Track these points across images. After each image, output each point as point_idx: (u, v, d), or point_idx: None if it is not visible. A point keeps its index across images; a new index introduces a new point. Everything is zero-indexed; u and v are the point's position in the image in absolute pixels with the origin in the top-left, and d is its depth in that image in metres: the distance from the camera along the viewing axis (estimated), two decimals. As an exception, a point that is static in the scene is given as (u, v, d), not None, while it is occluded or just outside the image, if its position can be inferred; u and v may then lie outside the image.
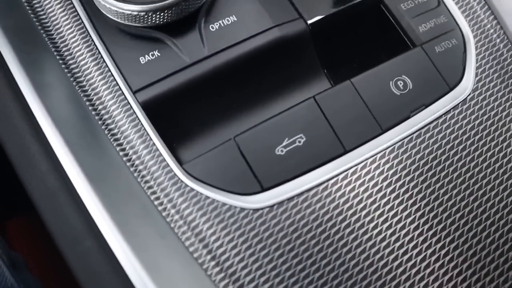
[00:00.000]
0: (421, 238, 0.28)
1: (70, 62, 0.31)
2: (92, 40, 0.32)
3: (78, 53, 0.32)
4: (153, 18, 0.30)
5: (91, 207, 0.26)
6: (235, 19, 0.32)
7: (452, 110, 0.31)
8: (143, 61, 0.31)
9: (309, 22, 0.33)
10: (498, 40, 0.34)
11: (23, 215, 0.46)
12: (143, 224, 0.27)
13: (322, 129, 0.30)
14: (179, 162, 0.29)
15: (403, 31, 0.34)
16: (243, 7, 0.33)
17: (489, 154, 0.31)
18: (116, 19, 0.31)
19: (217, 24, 0.32)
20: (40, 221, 0.46)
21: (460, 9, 0.34)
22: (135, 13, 0.30)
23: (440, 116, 0.31)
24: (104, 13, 0.31)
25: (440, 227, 0.29)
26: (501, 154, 0.31)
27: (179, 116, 0.31)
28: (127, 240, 0.25)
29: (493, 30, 0.34)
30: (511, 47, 0.33)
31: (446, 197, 0.29)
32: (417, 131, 0.30)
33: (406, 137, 0.30)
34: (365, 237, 0.28)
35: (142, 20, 0.31)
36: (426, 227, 0.29)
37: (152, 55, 0.31)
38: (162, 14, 0.30)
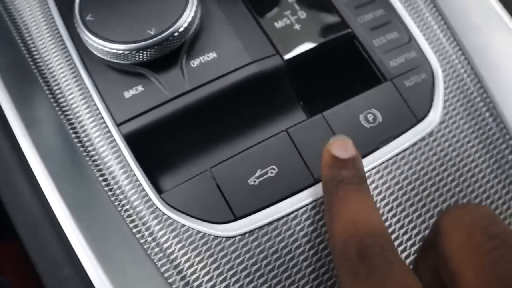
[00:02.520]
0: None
1: (59, 96, 0.33)
2: (81, 75, 0.34)
3: (67, 88, 0.34)
4: (137, 56, 0.32)
5: (71, 235, 0.28)
6: (215, 55, 0.34)
7: (419, 142, 0.33)
8: (127, 95, 0.33)
9: (286, 57, 0.35)
10: (465, 75, 0.35)
11: (14, 238, 0.48)
12: (121, 252, 0.28)
13: (293, 160, 0.32)
14: (161, 191, 0.31)
15: (375, 65, 0.35)
16: (223, 44, 0.35)
17: (453, 184, 0.32)
18: (103, 57, 0.33)
19: (197, 60, 0.34)
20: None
21: (430, 45, 0.36)
22: (120, 51, 0.32)
23: (407, 148, 0.33)
24: (92, 51, 0.33)
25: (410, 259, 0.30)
26: (465, 184, 0.32)
27: (160, 147, 0.33)
28: (103, 266, 0.27)
29: (461, 65, 0.35)
30: (478, 82, 0.35)
31: (414, 231, 0.31)
32: (384, 162, 0.32)
33: (373, 168, 0.32)
34: (332, 265, 0.30)
35: (126, 58, 0.33)
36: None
37: (136, 89, 0.33)
38: (145, 52, 0.32)
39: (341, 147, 0.28)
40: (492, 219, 0.22)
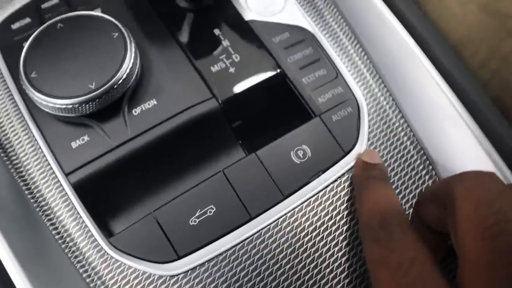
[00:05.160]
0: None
1: (10, 150, 0.36)
2: (29, 128, 0.36)
3: (17, 141, 0.36)
4: (80, 109, 0.35)
5: (19, 285, 0.30)
6: (155, 102, 0.37)
7: (346, 173, 0.36)
8: (74, 145, 0.35)
9: (221, 100, 0.37)
10: (387, 107, 0.38)
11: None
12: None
13: (230, 199, 0.34)
14: (110, 235, 0.34)
15: (306, 102, 0.38)
16: (162, 91, 0.37)
17: (377, 212, 0.35)
18: (49, 111, 0.35)
19: (139, 109, 0.37)
20: None
21: (355, 80, 0.39)
22: (63, 106, 0.34)
23: (336, 180, 0.35)
24: (39, 106, 0.36)
25: (347, 281, 0.33)
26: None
27: (107, 193, 0.35)
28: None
29: (383, 97, 0.39)
30: (399, 112, 0.38)
31: (343, 259, 0.34)
32: (314, 195, 0.35)
33: (305, 201, 0.35)
34: (268, 295, 0.32)
35: (70, 111, 0.35)
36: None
37: (82, 139, 0.36)
38: (87, 105, 0.35)
39: (370, 156, 0.35)
40: (499, 192, 0.25)
